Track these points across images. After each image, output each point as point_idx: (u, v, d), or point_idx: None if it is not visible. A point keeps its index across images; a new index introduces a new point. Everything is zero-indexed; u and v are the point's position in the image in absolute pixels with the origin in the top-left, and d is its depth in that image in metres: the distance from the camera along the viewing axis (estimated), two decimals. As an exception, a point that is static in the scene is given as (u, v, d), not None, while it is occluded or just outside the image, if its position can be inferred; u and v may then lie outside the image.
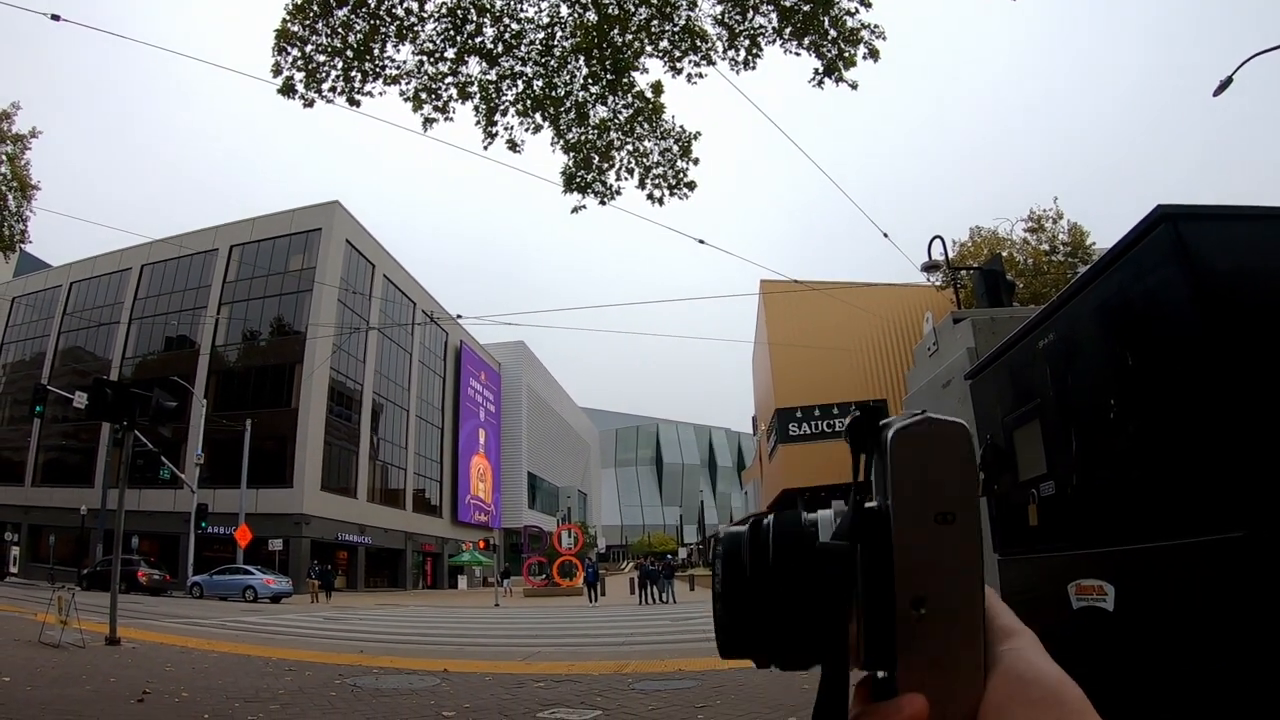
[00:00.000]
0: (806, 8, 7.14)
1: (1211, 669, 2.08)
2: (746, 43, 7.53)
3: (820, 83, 7.47)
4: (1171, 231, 2.22)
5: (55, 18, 8.73)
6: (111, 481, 34.99)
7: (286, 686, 8.08)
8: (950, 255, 22.83)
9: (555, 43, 7.63)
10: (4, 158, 19.73)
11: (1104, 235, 35.23)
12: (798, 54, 7.38)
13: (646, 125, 8.16)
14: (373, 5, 7.06)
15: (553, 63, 7.70)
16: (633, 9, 7.37)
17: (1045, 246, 34.94)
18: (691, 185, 8.46)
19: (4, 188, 19.54)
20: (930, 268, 20.38)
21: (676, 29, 7.51)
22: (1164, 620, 2.30)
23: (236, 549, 35.54)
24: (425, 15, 7.27)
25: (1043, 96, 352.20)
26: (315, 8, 6.94)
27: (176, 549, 39.00)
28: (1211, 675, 2.08)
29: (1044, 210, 35.48)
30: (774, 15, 7.30)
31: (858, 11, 7.19)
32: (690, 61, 7.66)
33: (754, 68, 7.68)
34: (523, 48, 7.61)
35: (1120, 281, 2.49)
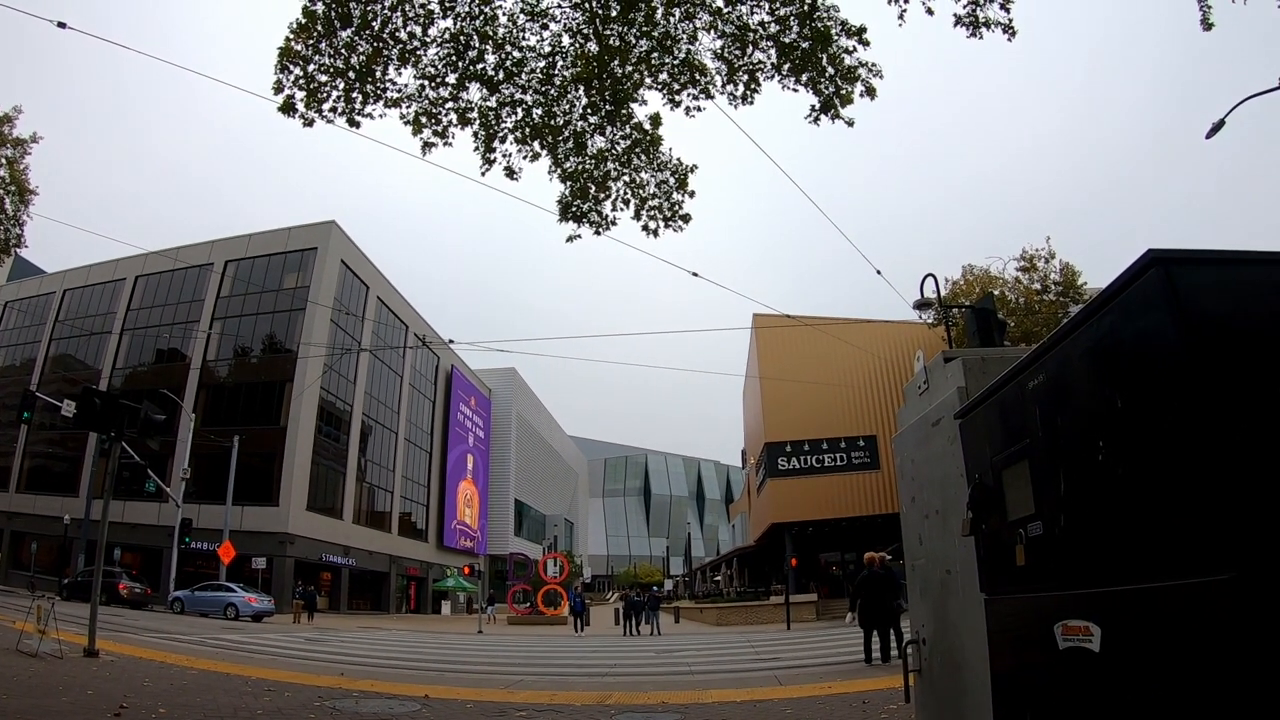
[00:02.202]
0: (805, 45, 7.22)
1: (1198, 712, 2.08)
2: (745, 77, 7.60)
3: (817, 119, 7.53)
4: (1162, 275, 2.25)
5: (61, 25, 8.78)
6: (96, 492, 34.77)
7: (265, 707, 7.99)
8: (942, 293, 22.96)
9: (556, 72, 7.69)
10: (3, 161, 19.83)
11: (1097, 275, 35.54)
12: (795, 90, 7.45)
13: (644, 157, 8.21)
14: (376, 28, 7.11)
15: (553, 91, 7.76)
16: (634, 41, 7.44)
17: (1037, 286, 35.20)
18: (687, 218, 8.50)
19: (2, 191, 19.62)
20: (922, 305, 20.51)
21: (676, 62, 7.57)
22: (1150, 662, 2.30)
23: (220, 565, 35.25)
24: (428, 40, 7.32)
25: (1037, 135, 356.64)
26: (319, 28, 6.99)
27: (159, 563, 38.69)
28: (1198, 718, 2.08)
29: (1036, 250, 35.81)
30: (773, 51, 7.37)
31: (856, 50, 7.27)
32: (689, 95, 7.71)
33: (752, 102, 7.74)
34: (523, 76, 7.67)
35: (1111, 324, 2.51)
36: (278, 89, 7.19)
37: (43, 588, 25.58)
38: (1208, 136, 15.62)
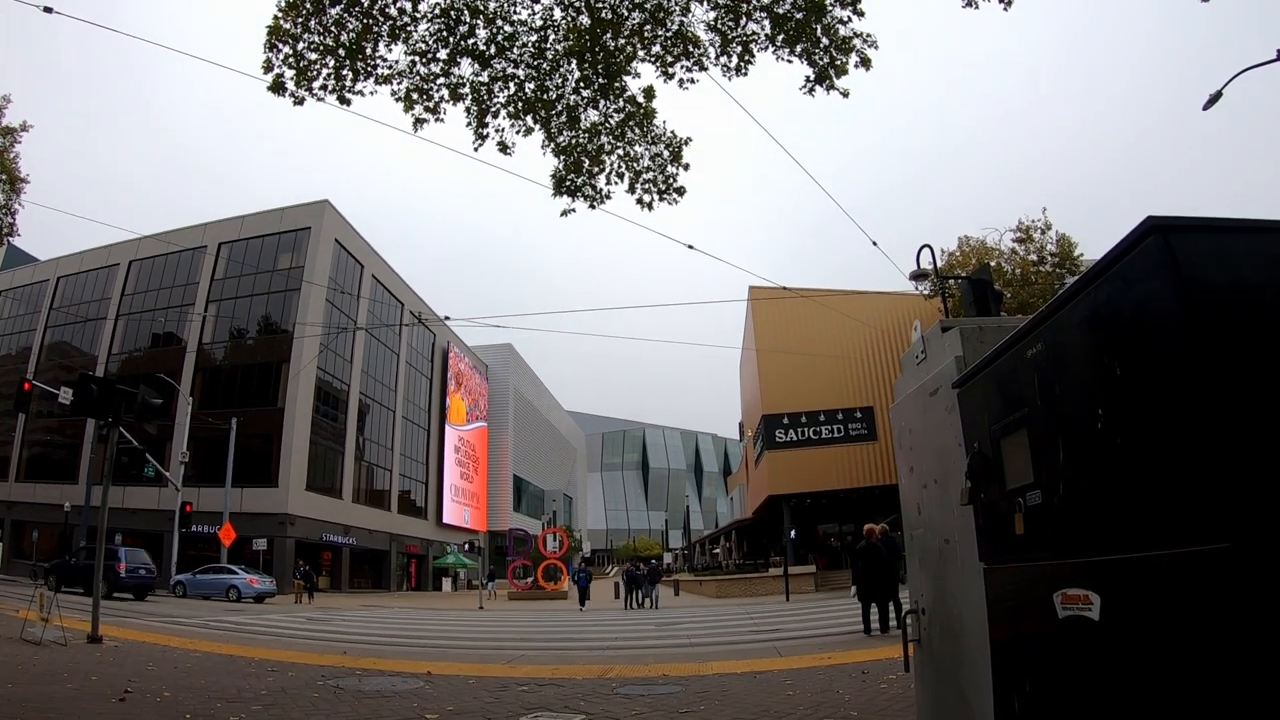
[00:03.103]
0: (799, 15, 7.15)
1: (1197, 680, 2.09)
2: (739, 49, 7.53)
3: (811, 90, 7.47)
4: (1161, 243, 2.23)
5: (48, 10, 8.68)
6: (95, 478, 34.77)
7: (269, 687, 8.04)
8: (938, 264, 22.92)
9: (548, 46, 7.62)
10: (-6, 150, 19.66)
11: (1093, 246, 35.41)
12: (789, 61, 7.39)
13: (637, 130, 8.16)
14: (366, 4, 7.03)
15: (545, 66, 7.69)
16: (626, 13, 7.37)
17: (1033, 257, 35.15)
18: (681, 190, 8.46)
19: (-7, 180, 19.47)
20: (918, 276, 20.51)
21: (669, 34, 7.50)
22: (1149, 630, 2.31)
23: (220, 548, 35.39)
24: (418, 15, 7.25)
25: (1033, 103, 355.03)
26: (308, 5, 6.91)
27: (160, 547, 38.78)
28: (1197, 686, 2.09)
29: (1032, 221, 35.71)
30: (767, 22, 7.31)
31: (850, 20, 7.20)
32: (682, 67, 7.65)
33: (746, 74, 7.68)
34: (515, 50, 7.60)
35: (1109, 292, 2.49)
36: (267, 68, 7.12)
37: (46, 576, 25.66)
38: (1204, 108, 15.49)
